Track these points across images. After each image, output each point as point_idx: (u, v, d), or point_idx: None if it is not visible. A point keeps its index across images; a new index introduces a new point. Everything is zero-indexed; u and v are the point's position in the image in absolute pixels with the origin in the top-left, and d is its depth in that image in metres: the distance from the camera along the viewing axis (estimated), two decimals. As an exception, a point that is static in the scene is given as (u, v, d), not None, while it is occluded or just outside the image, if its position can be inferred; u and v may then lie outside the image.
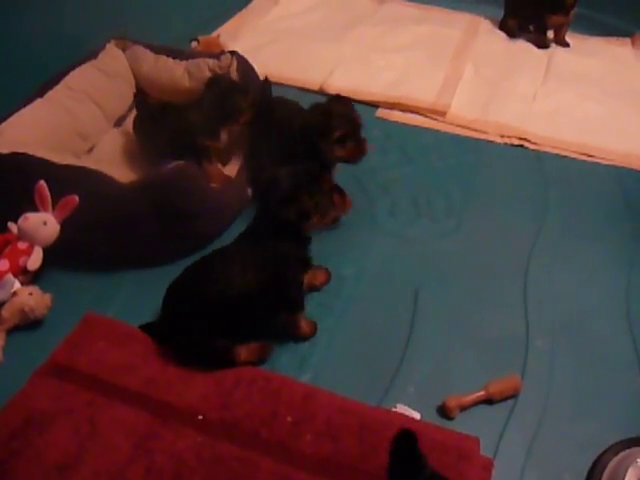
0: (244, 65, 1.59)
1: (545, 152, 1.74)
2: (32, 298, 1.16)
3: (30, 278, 1.24)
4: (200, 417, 1.00)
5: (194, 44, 1.91)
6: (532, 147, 1.76)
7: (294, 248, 1.10)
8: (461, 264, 1.37)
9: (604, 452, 1.01)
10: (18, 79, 1.45)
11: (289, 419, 1.00)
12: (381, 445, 0.96)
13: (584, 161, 1.72)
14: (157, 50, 1.69)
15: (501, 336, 1.21)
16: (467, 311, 1.26)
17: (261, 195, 1.11)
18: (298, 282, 1.12)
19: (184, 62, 1.65)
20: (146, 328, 1.15)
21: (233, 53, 1.61)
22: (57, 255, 1.25)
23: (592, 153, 1.74)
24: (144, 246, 1.31)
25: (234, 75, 1.56)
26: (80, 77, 1.57)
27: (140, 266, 1.31)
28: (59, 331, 1.12)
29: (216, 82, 1.47)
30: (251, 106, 1.44)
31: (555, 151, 1.74)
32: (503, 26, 2.31)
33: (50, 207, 1.22)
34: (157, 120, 1.47)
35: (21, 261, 1.21)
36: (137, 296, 1.25)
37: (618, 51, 2.25)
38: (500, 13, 2.32)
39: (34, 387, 1.04)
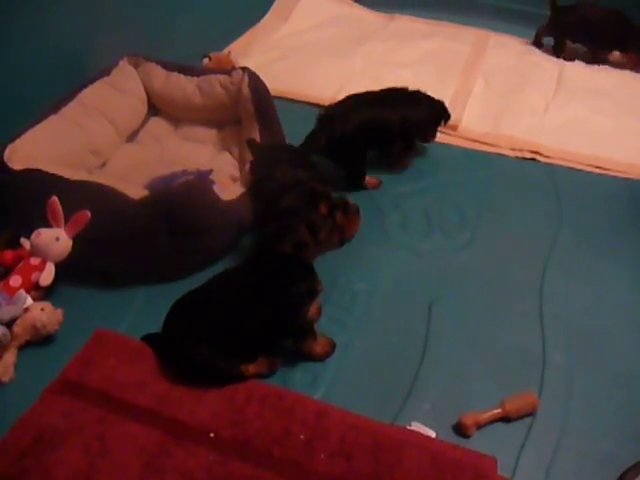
0: (255, 81, 1.59)
1: (557, 165, 1.73)
2: (44, 314, 1.16)
3: (42, 294, 1.24)
4: (212, 435, 0.99)
5: (205, 61, 1.92)
6: (544, 160, 1.74)
7: (296, 279, 1.06)
8: (475, 278, 1.36)
9: (625, 472, 0.99)
10: (32, 96, 1.46)
11: (302, 437, 0.98)
12: (396, 464, 0.94)
13: (596, 174, 1.71)
14: (169, 67, 1.71)
15: (517, 352, 1.19)
16: (482, 326, 1.25)
17: (259, 223, 1.08)
18: (302, 313, 1.08)
19: (195, 78, 1.66)
20: (149, 339, 1.14)
21: (244, 69, 1.62)
22: (69, 271, 1.25)
23: (604, 165, 1.72)
24: (155, 261, 1.30)
25: (245, 91, 1.57)
26: (93, 94, 1.59)
27: (151, 282, 1.31)
28: (70, 347, 1.12)
29: None
30: None
31: (567, 164, 1.73)
32: (537, 42, 2.29)
33: (62, 223, 1.23)
34: None
35: (33, 277, 1.22)
36: (148, 312, 1.24)
37: (629, 64, 2.24)
38: (508, 27, 2.32)
39: (45, 404, 1.03)
